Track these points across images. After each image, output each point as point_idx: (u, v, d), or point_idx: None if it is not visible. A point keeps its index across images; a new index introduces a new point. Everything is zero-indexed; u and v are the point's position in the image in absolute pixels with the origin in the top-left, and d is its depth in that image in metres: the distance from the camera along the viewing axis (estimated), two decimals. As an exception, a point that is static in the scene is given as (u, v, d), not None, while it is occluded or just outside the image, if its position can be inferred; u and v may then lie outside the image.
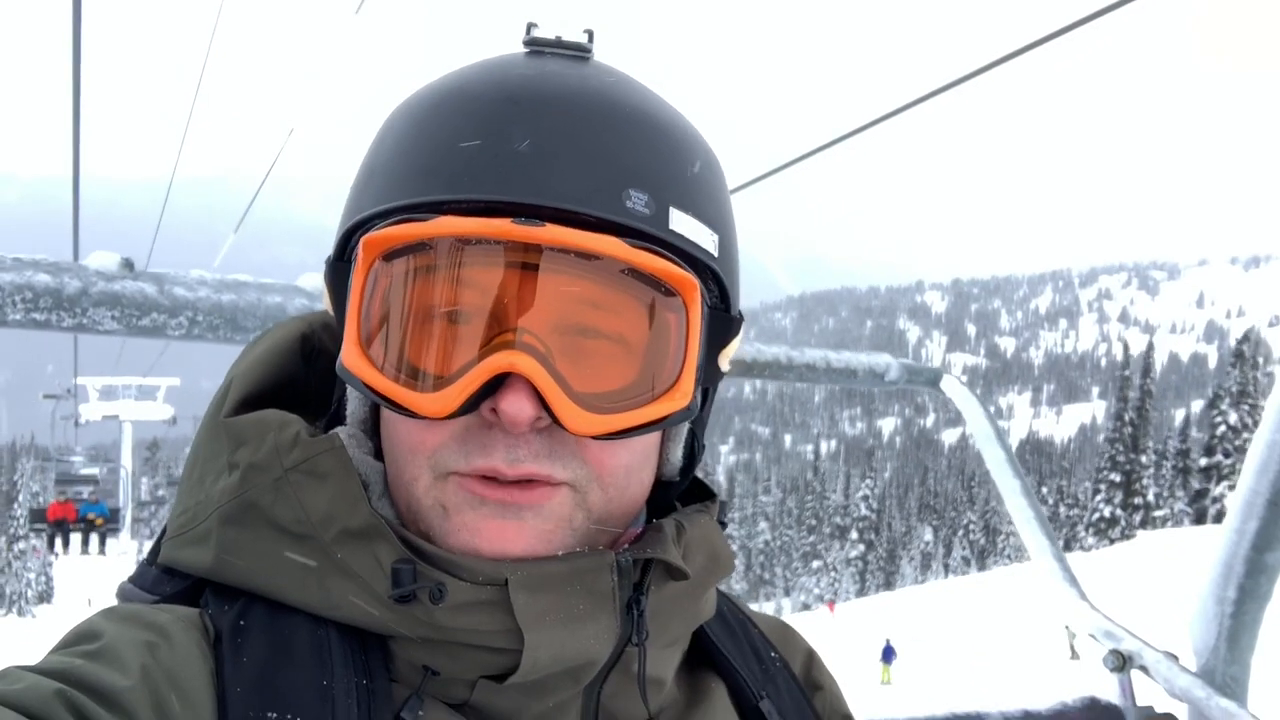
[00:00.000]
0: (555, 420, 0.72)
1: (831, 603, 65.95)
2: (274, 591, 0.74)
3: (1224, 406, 68.27)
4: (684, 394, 0.76)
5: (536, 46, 0.80)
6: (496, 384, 0.71)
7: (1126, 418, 74.86)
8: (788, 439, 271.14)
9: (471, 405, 0.71)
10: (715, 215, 0.79)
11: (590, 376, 0.74)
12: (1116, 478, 71.97)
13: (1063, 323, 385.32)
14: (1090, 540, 69.94)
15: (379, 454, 0.82)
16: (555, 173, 0.71)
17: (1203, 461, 70.09)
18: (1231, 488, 66.92)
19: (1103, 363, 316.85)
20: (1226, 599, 1.86)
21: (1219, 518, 60.86)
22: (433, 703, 0.74)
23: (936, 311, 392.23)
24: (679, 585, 0.80)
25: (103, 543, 33.98)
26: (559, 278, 0.72)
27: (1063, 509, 79.98)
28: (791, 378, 2.07)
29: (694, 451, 0.88)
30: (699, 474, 0.92)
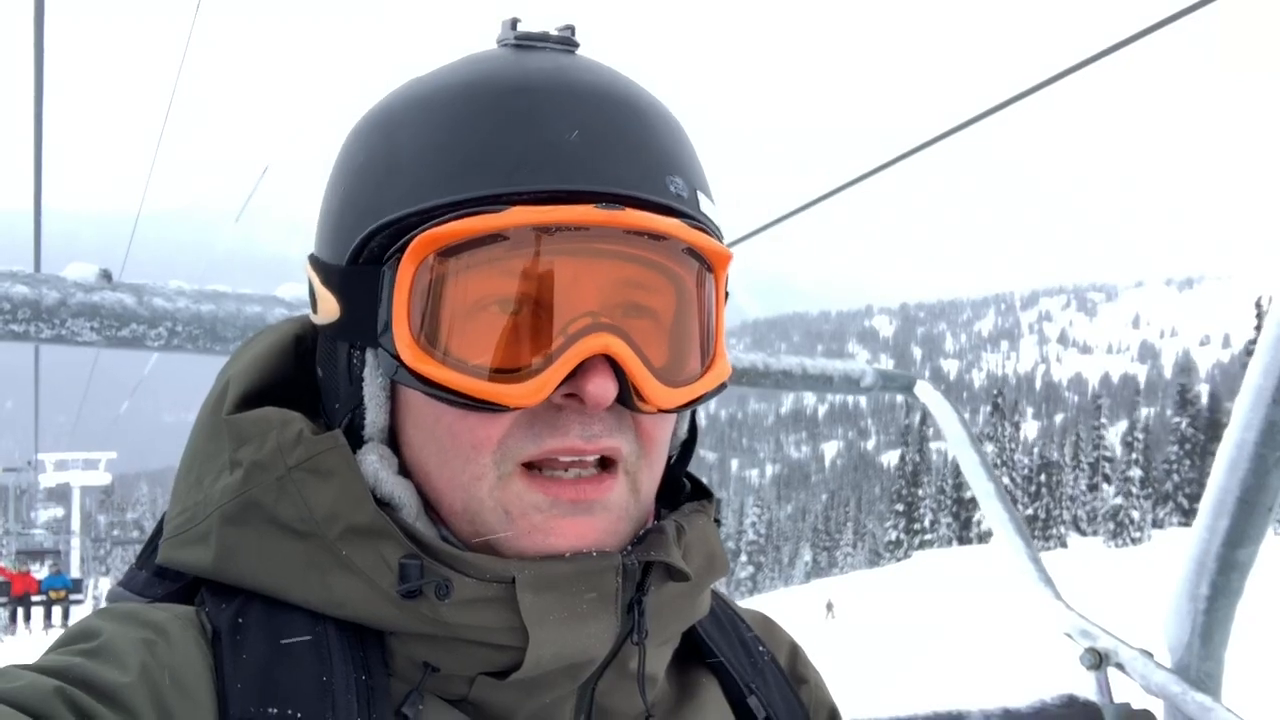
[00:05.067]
0: (639, 397, 0.74)
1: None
2: (275, 589, 0.74)
3: (986, 447, 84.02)
4: (725, 361, 0.81)
5: (529, 41, 0.80)
6: (574, 368, 0.72)
7: (908, 457, 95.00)
8: (734, 463, 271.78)
9: (557, 390, 0.72)
10: (713, 196, 0.82)
11: (656, 351, 0.76)
12: (900, 507, 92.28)
13: (1004, 344, 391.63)
14: (866, 557, 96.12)
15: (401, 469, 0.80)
16: (609, 161, 0.73)
17: (968, 493, 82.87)
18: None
19: (1038, 384, 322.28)
20: (1200, 596, 1.89)
21: (982, 538, 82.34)
22: (431, 699, 0.74)
23: (884, 335, 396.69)
24: (678, 586, 0.81)
25: (65, 617, 33.33)
26: (621, 259, 0.74)
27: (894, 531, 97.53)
28: (768, 384, 2.08)
29: (691, 444, 0.91)
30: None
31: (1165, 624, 1.95)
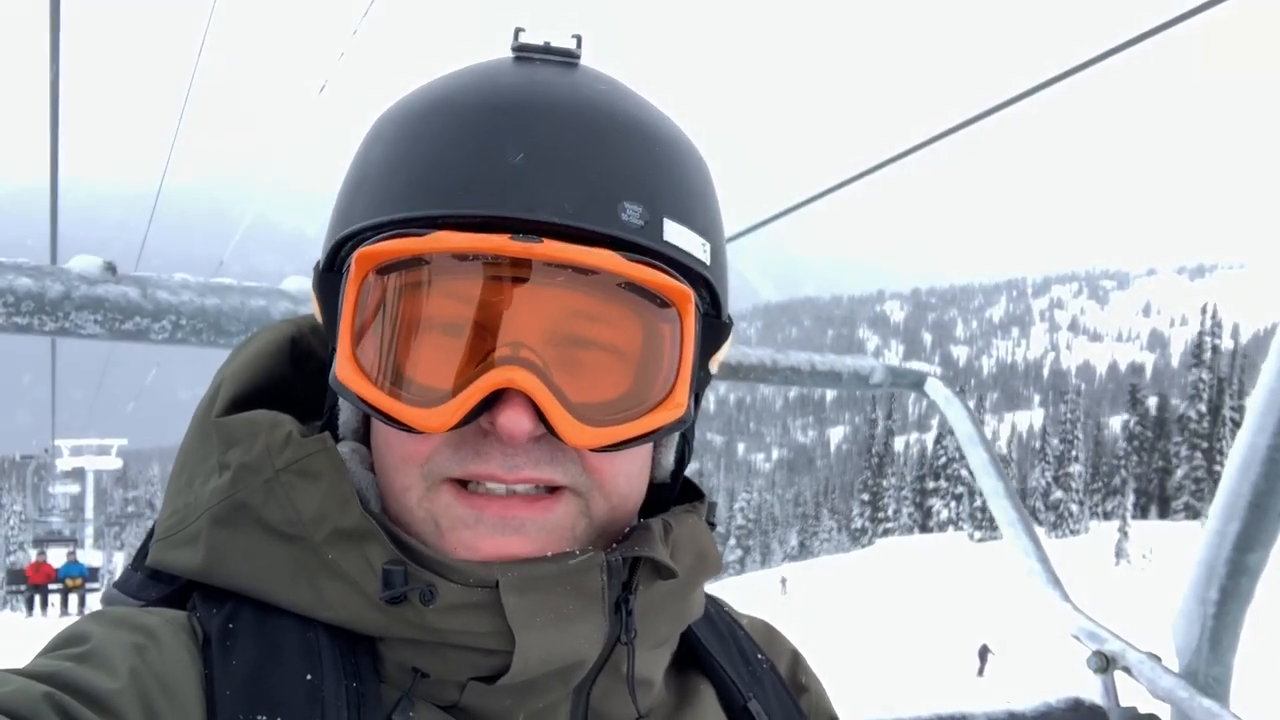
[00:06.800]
0: (553, 433, 0.72)
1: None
2: (264, 593, 0.73)
3: (945, 441, 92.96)
4: (678, 404, 0.77)
5: (525, 53, 0.79)
6: (494, 397, 0.71)
7: (874, 450, 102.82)
8: (741, 447, 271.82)
9: (469, 419, 0.72)
10: (707, 223, 0.79)
11: (587, 388, 0.74)
12: (866, 496, 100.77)
13: (1015, 331, 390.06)
14: (847, 542, 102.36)
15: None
16: (550, 186, 0.71)
17: (930, 484, 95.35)
18: (946, 505, 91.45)
19: (1046, 372, 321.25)
20: (1209, 600, 1.88)
21: (941, 527, 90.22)
22: (423, 704, 0.74)
23: (895, 320, 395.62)
24: (667, 584, 0.80)
25: (82, 603, 33.66)
26: (556, 291, 0.72)
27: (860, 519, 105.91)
28: (776, 381, 2.06)
29: (684, 455, 0.89)
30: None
31: (1174, 628, 1.94)
